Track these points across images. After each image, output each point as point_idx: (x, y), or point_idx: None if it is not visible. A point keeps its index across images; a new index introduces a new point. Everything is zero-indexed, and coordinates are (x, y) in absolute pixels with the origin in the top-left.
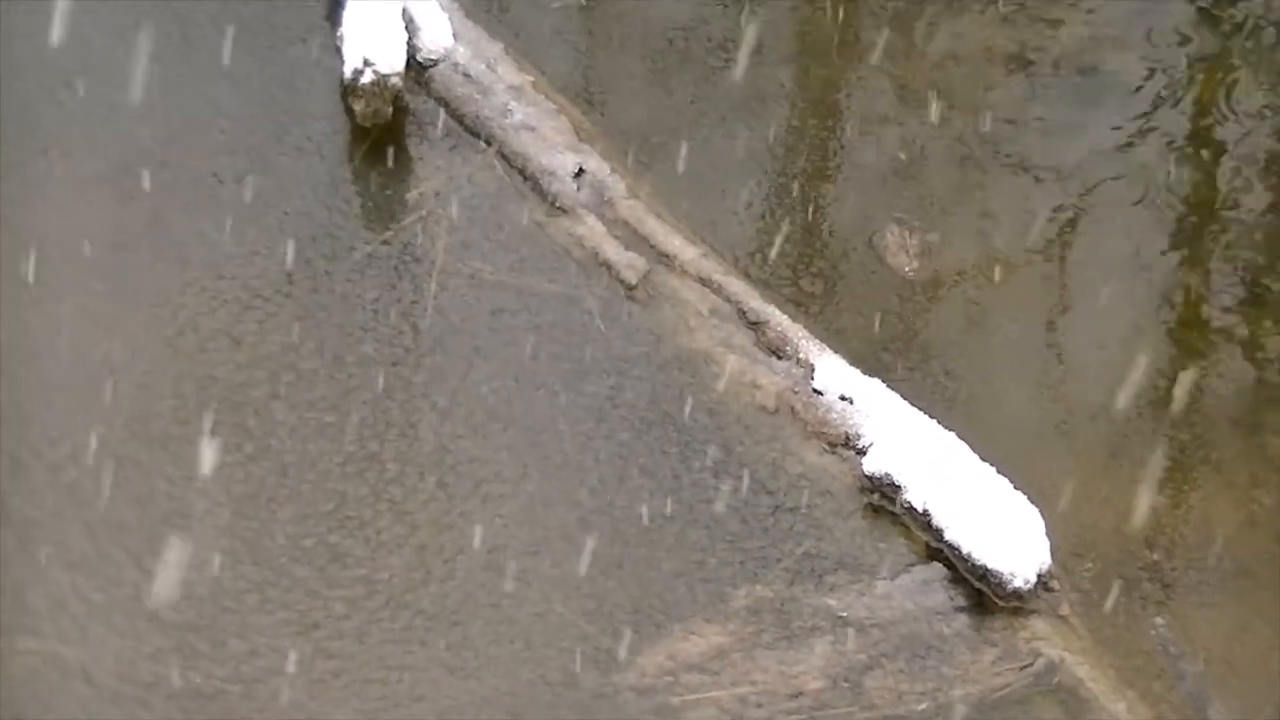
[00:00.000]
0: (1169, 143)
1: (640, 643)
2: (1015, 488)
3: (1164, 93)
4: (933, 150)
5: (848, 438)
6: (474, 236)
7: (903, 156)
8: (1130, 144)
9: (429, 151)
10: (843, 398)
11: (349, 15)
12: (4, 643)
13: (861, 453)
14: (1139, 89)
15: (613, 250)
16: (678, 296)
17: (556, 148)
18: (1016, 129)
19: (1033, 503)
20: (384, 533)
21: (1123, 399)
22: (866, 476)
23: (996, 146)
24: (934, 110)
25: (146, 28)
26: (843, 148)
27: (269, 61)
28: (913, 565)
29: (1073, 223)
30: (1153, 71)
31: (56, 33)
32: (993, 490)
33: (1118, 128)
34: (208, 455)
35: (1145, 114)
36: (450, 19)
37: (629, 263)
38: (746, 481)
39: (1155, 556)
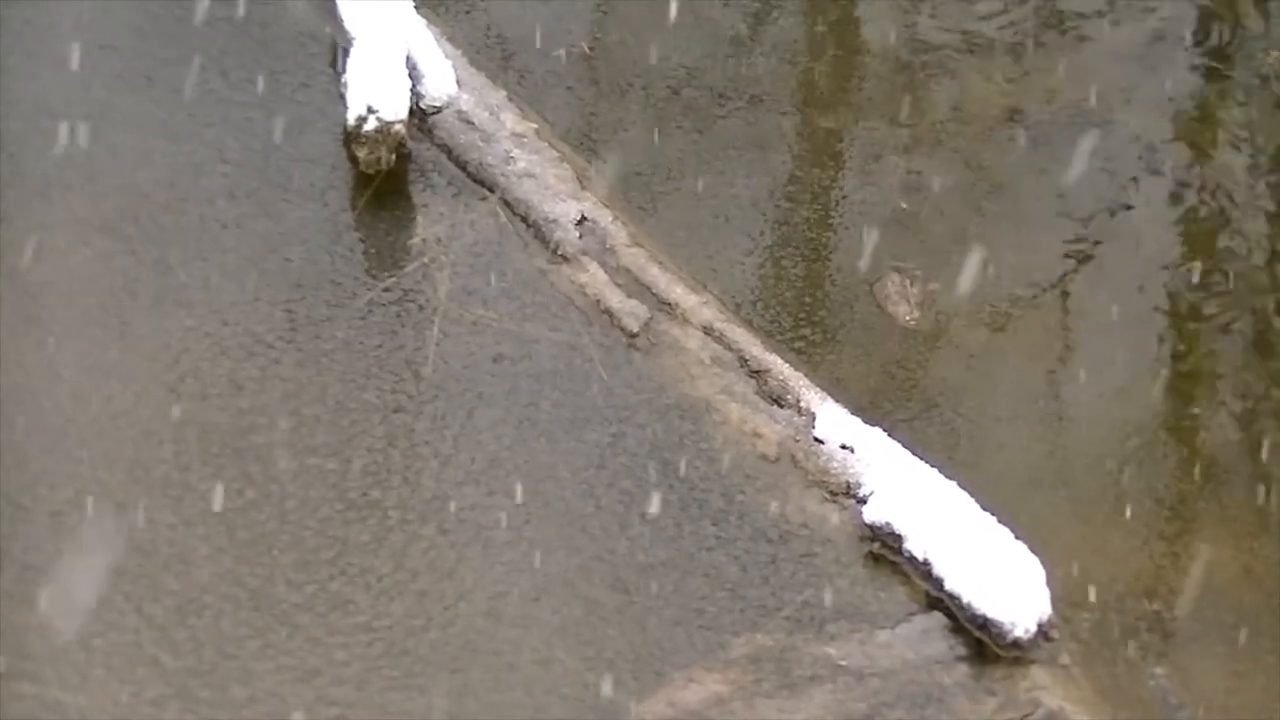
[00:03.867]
0: (1170, 195)
1: (641, 690)
2: (1016, 537)
3: (1164, 146)
4: (933, 199)
5: (848, 486)
6: (476, 283)
7: (904, 206)
8: (1131, 195)
9: (432, 198)
10: (844, 446)
11: (352, 62)
12: (4, 688)
13: (862, 501)
14: (1139, 142)
15: (615, 298)
16: (679, 344)
17: (559, 195)
18: (1017, 180)
19: (1033, 552)
20: (385, 579)
21: (1123, 449)
22: (867, 525)
23: (997, 197)
24: (935, 160)
25: (148, 71)
26: (844, 197)
27: (272, 107)
28: (913, 614)
29: (1073, 273)
30: (1153, 125)
31: (57, 76)
32: (993, 540)
33: (1117, 180)
34: (209, 501)
35: (1145, 167)
36: (454, 66)
37: (631, 310)
38: (747, 530)
39: (1155, 607)
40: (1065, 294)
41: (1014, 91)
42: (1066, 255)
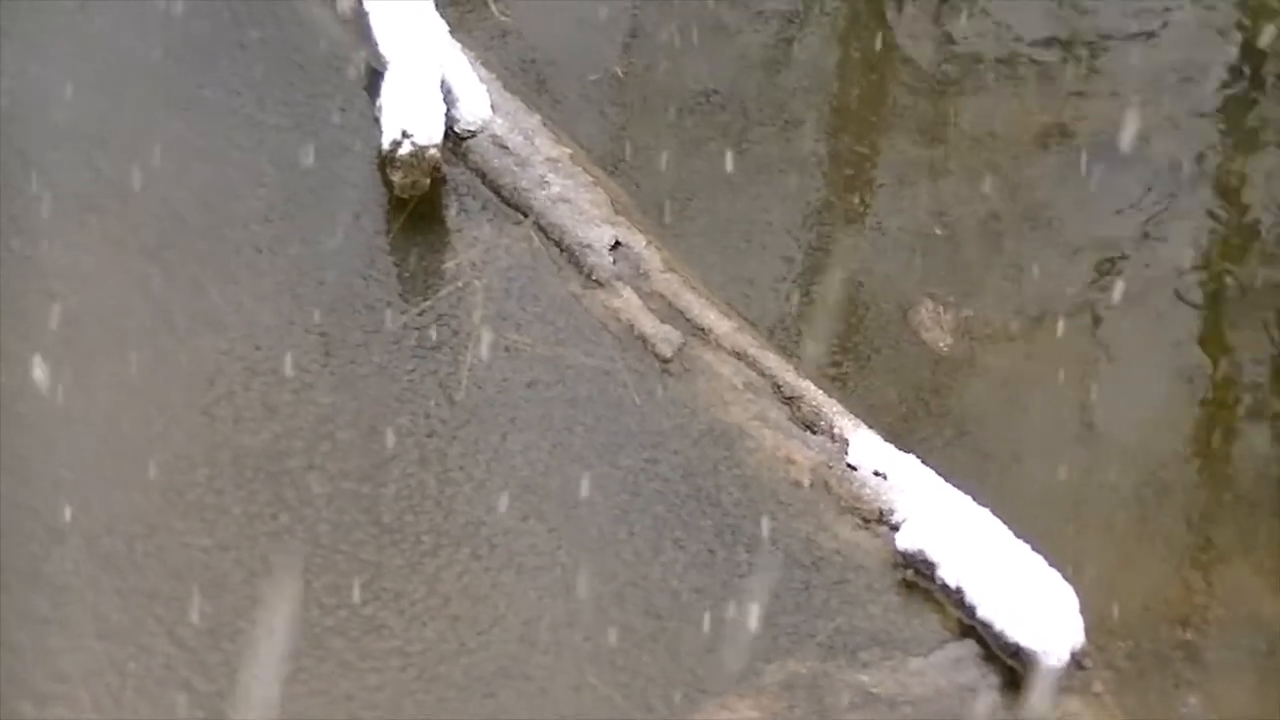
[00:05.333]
0: (1204, 220)
1: (673, 717)
2: (1049, 565)
3: (1200, 171)
4: (968, 225)
5: (881, 513)
6: (510, 308)
7: (938, 232)
8: (1165, 221)
9: (466, 223)
10: (877, 473)
11: (387, 86)
12: (38, 712)
13: (895, 528)
14: (1175, 166)
15: (648, 323)
16: (713, 370)
17: (593, 220)
18: (1052, 204)
19: (1066, 580)
20: (418, 604)
21: (1156, 475)
22: (900, 552)
23: (1032, 222)
24: (969, 184)
25: (183, 95)
26: (877, 221)
27: (307, 131)
28: (946, 642)
29: (1108, 300)
30: (1189, 150)
31: (92, 99)
32: (1026, 567)
33: (1153, 204)
34: (243, 525)
35: (1181, 191)
36: (488, 90)
37: (664, 336)
38: (780, 556)
39: (1188, 635)
40: (1099, 319)
41: (1048, 114)
42: (1100, 280)
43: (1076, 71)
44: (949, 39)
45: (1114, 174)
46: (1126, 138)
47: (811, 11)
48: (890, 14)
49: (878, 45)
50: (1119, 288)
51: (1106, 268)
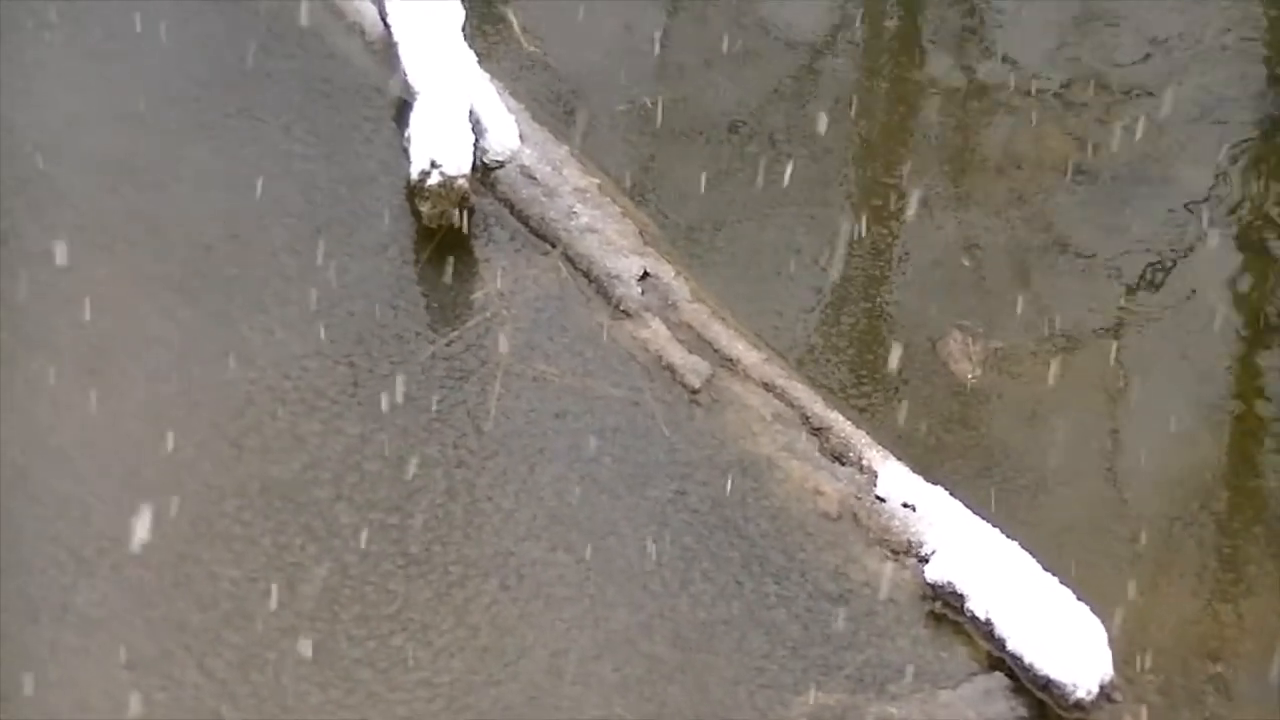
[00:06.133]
0: (1230, 250)
1: None
2: (1078, 598)
3: (1225, 200)
4: (995, 256)
5: (910, 545)
6: (538, 339)
7: (965, 263)
8: (1191, 250)
9: (494, 253)
10: (905, 505)
11: (416, 116)
12: None
13: (924, 560)
14: (1200, 195)
15: (677, 354)
16: (741, 401)
17: (621, 251)
18: (1078, 235)
19: (1095, 613)
20: (446, 635)
21: (1185, 507)
22: (929, 584)
23: (1059, 252)
24: (996, 215)
25: (212, 124)
26: (905, 251)
27: (335, 161)
28: (975, 674)
29: (1136, 330)
30: (1214, 179)
31: (120, 128)
32: (1055, 600)
33: (1178, 233)
34: (271, 556)
35: (1206, 220)
36: (517, 120)
37: (692, 367)
38: (808, 587)
39: (1218, 668)
40: (1126, 350)
41: (1074, 144)
42: (1127, 311)
43: (1101, 102)
44: (975, 69)
45: (1140, 204)
46: (1152, 167)
47: (839, 42)
48: (917, 44)
49: (905, 76)
50: (1146, 318)
51: (1133, 298)
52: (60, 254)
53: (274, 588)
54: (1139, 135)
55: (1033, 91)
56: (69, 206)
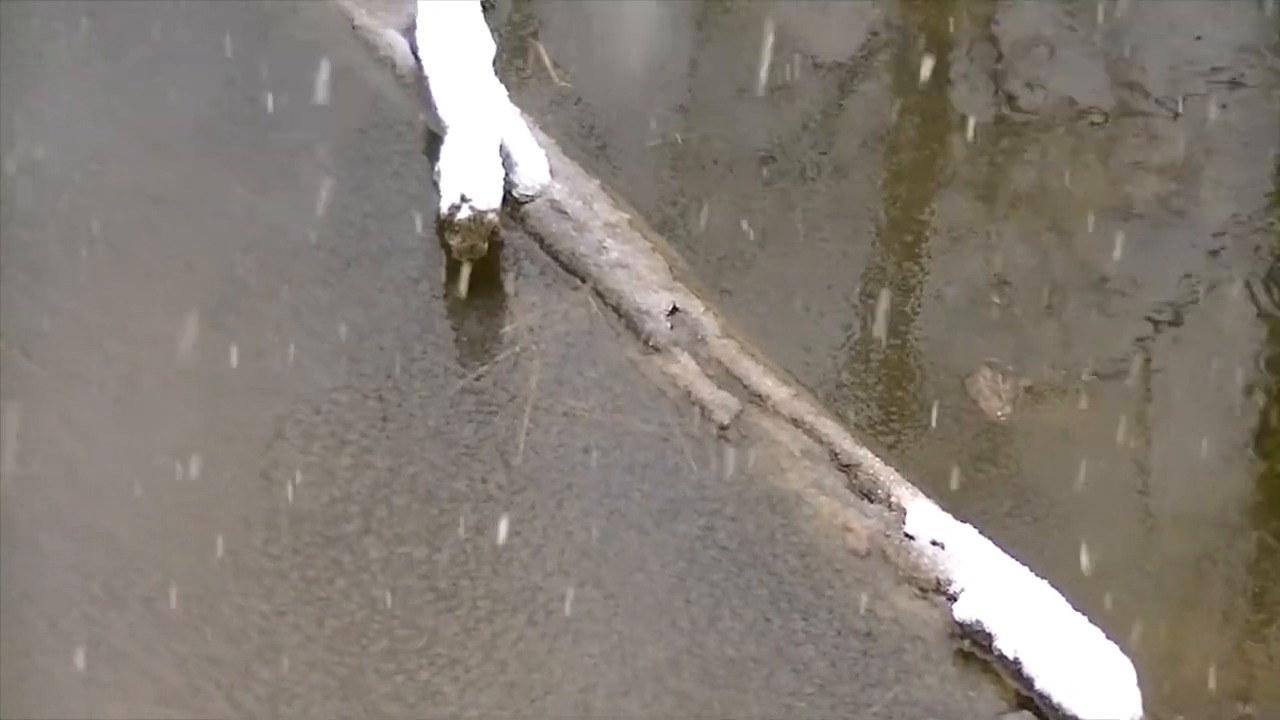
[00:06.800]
0: (1264, 288)
1: None
2: (1107, 637)
3: (1261, 238)
4: (1026, 292)
5: (939, 583)
6: (568, 374)
7: (996, 299)
8: (1224, 288)
9: (524, 287)
10: (934, 542)
11: (446, 150)
12: None
13: (953, 599)
14: (1235, 233)
15: (706, 390)
16: (770, 437)
17: (651, 286)
18: (1110, 272)
19: (1124, 652)
20: (474, 670)
21: (1216, 546)
22: (958, 623)
23: (1090, 289)
24: (1027, 250)
25: (244, 157)
26: (936, 290)
27: (365, 195)
28: (1003, 713)
29: (1166, 369)
30: (1250, 216)
31: (155, 162)
32: (1084, 639)
33: (1213, 271)
34: (300, 589)
35: (1241, 258)
36: (547, 155)
37: (721, 402)
38: (836, 625)
39: (1247, 710)
40: (1157, 389)
41: (1106, 179)
42: (1159, 349)
43: (1136, 135)
44: (1006, 103)
45: (1171, 239)
46: (1186, 203)
47: (870, 75)
48: (948, 78)
49: (936, 109)
50: (1178, 357)
51: (1165, 336)
52: (90, 286)
53: (302, 622)
54: (1170, 170)
55: (1065, 126)
56: (99, 238)
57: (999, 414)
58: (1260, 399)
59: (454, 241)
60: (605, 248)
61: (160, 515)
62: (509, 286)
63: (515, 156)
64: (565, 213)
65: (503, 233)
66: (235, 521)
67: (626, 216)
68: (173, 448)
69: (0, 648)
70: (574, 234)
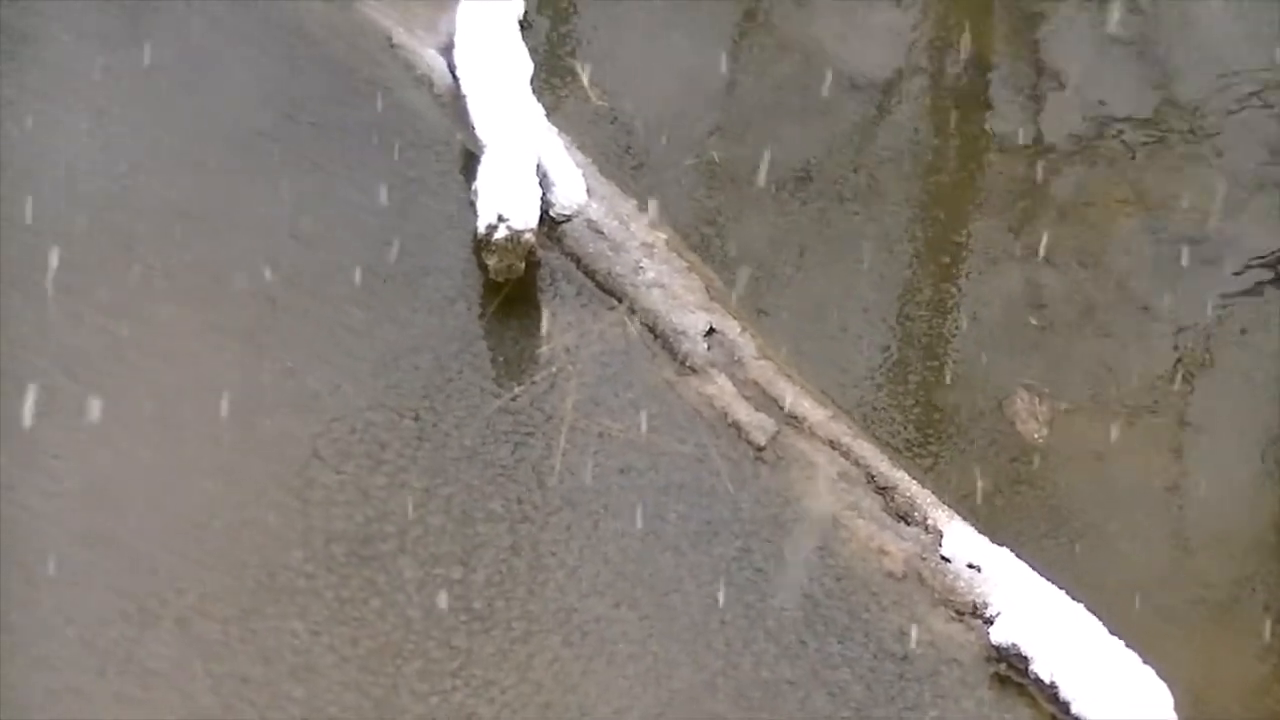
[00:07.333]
0: None
1: None
2: (1143, 661)
3: None
4: (1063, 314)
5: (975, 606)
6: (604, 394)
7: (1033, 321)
8: (1262, 309)
9: (560, 307)
10: (971, 565)
11: (484, 169)
12: None
13: (989, 622)
14: (1268, 254)
15: (742, 411)
16: (806, 459)
17: (688, 306)
18: (1147, 293)
19: (1160, 676)
20: (509, 691)
21: (1253, 571)
22: (994, 646)
23: (1127, 310)
24: (1064, 272)
25: (279, 175)
26: (973, 312)
27: (402, 214)
28: None
29: (1203, 390)
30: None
31: (191, 181)
32: (1121, 663)
33: (1250, 291)
34: (334, 608)
35: (1271, 279)
36: (584, 174)
37: (758, 424)
38: (872, 647)
39: None
40: (1194, 412)
41: (1144, 199)
42: (1196, 371)
43: (1176, 159)
44: (1043, 124)
45: (1207, 261)
46: (1223, 223)
47: (906, 95)
48: (985, 98)
49: (972, 129)
50: (1215, 380)
51: (1200, 357)
52: (127, 304)
53: (337, 642)
54: (1211, 195)
55: (1102, 147)
56: (134, 255)
57: (1036, 437)
58: None
59: (491, 261)
60: (642, 268)
61: (195, 534)
62: (546, 306)
63: (552, 176)
64: (602, 232)
65: (539, 252)
66: (270, 540)
67: (663, 236)
68: (208, 466)
69: (35, 665)
70: (611, 254)
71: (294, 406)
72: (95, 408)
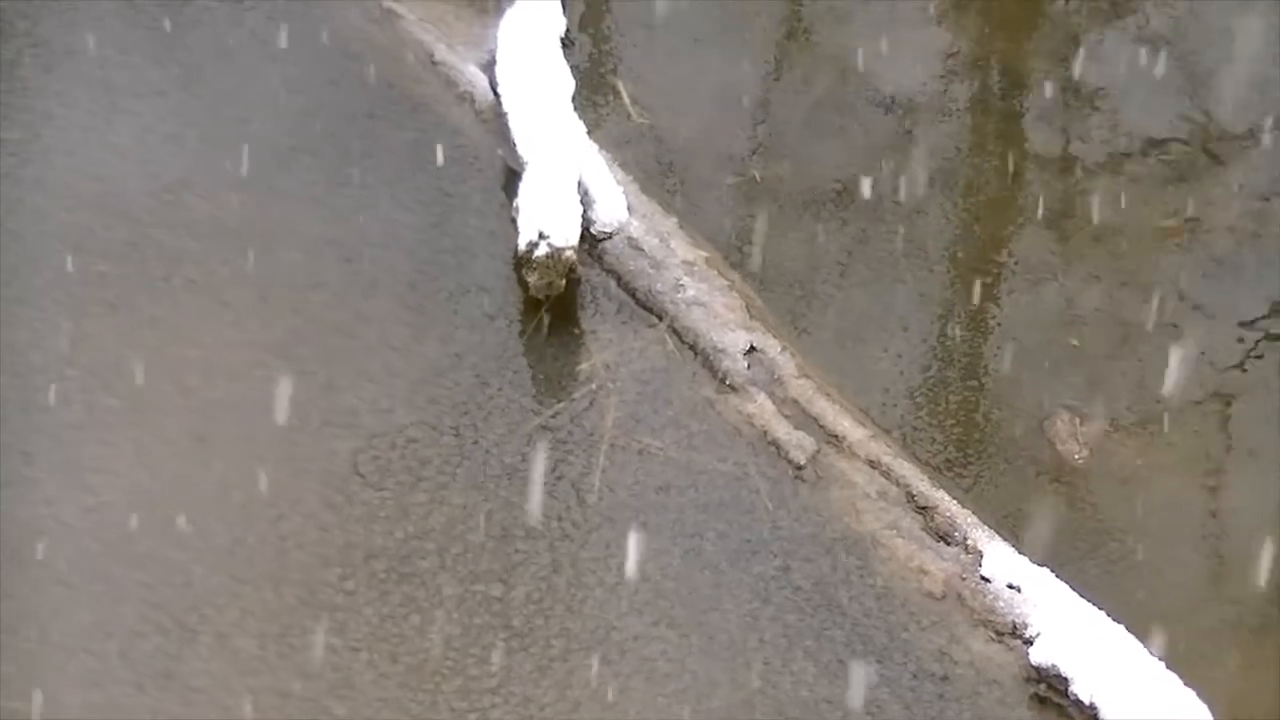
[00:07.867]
0: None
1: None
2: (1184, 683)
3: None
4: (1103, 333)
5: (1015, 627)
6: (643, 411)
7: (1074, 341)
8: None
9: (600, 324)
10: (1011, 586)
11: (525, 186)
12: None
13: (1029, 642)
14: None
15: (782, 429)
16: (846, 478)
17: (728, 325)
18: (1186, 311)
19: (1201, 699)
20: (547, 709)
21: None
22: (1034, 667)
23: (1168, 329)
24: (1104, 291)
25: (320, 192)
26: (1014, 332)
27: (443, 230)
28: None
29: (1244, 412)
30: None
31: (228, 195)
32: (1161, 685)
33: None
34: (373, 625)
35: None
36: (625, 192)
37: (798, 442)
38: (912, 667)
39: None
40: (1236, 433)
41: (1183, 218)
42: (1234, 390)
43: (1213, 175)
44: (1081, 139)
45: (1248, 279)
46: (1264, 244)
47: (947, 114)
48: (1023, 113)
49: (1011, 145)
50: (1255, 400)
51: (1240, 376)
52: (166, 318)
53: (376, 658)
54: (1248, 206)
55: (1142, 166)
56: (176, 272)
57: (1077, 457)
58: None
59: (531, 278)
60: (682, 285)
61: (234, 549)
62: (586, 324)
63: (593, 193)
64: (642, 250)
65: (580, 270)
66: (309, 556)
67: (704, 254)
68: (247, 482)
69: (75, 680)
70: (651, 271)
71: (333, 422)
72: (134, 423)
